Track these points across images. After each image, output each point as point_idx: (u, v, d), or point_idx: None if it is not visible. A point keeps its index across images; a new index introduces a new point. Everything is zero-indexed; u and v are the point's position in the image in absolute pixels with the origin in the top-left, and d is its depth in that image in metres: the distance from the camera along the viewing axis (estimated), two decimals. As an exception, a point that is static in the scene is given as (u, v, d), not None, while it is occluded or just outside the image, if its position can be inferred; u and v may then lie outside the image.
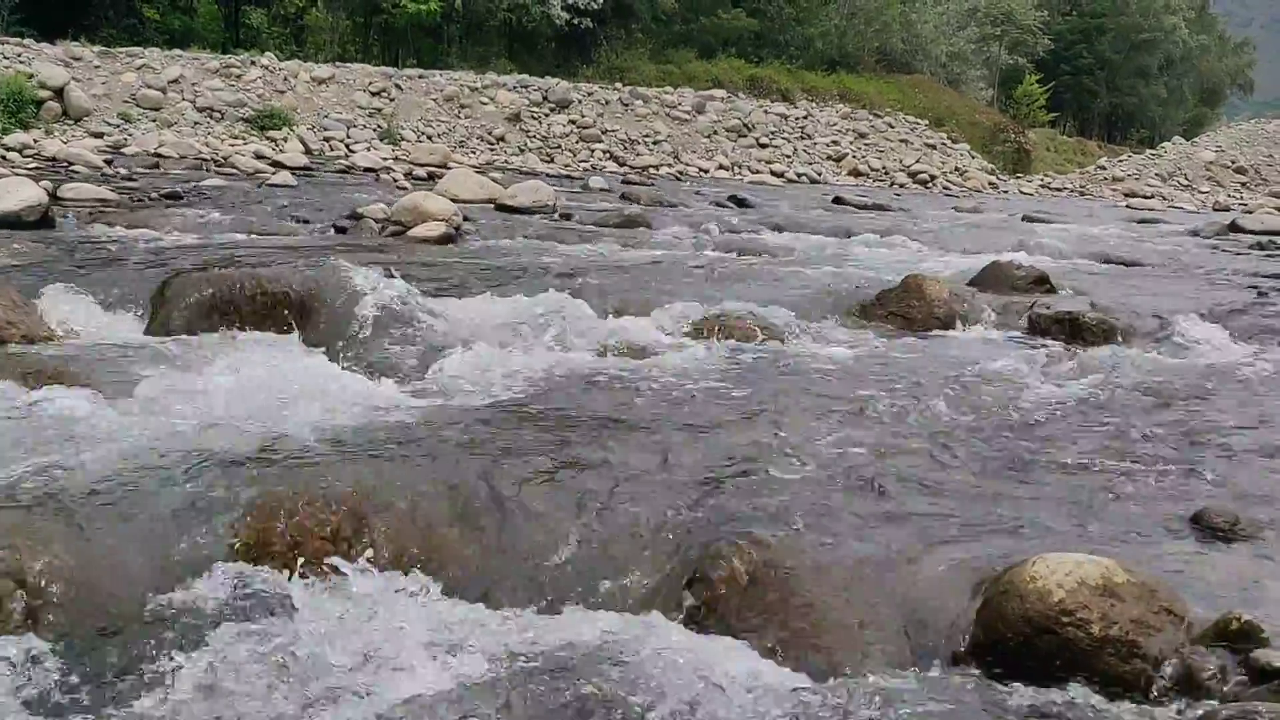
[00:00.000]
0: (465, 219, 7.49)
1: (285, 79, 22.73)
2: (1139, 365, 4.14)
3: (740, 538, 2.22)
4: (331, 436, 2.74)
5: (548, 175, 17.24)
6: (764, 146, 28.21)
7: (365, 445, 2.65)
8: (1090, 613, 1.81)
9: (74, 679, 1.76)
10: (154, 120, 19.51)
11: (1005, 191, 28.47)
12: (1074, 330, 4.75)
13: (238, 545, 2.13)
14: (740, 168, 26.28)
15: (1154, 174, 32.96)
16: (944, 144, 32.04)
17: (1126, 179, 32.46)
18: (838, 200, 15.72)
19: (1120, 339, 4.67)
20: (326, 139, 20.88)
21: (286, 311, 4.21)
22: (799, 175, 26.28)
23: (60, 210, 7.00)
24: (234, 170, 13.96)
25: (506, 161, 22.02)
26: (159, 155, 15.55)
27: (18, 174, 8.79)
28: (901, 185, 27.31)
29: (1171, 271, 7.93)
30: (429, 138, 22.89)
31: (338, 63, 25.40)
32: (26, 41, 20.47)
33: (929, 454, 2.90)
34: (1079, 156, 42.69)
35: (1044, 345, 4.60)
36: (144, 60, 21.23)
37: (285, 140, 19.72)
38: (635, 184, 16.44)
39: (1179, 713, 1.76)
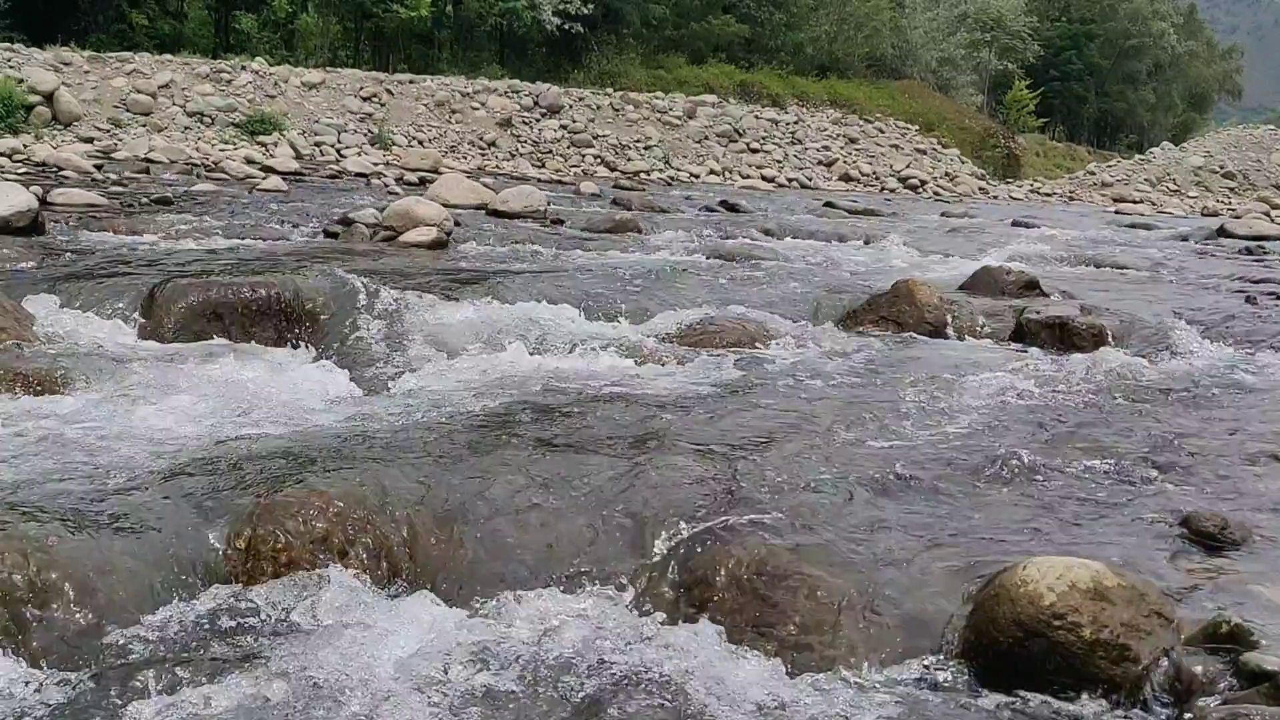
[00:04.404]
0: (456, 224, 7.49)
1: (276, 84, 22.71)
2: (1128, 370, 4.15)
3: (734, 541, 2.22)
4: (322, 442, 2.74)
5: (539, 180, 17.23)
6: (755, 152, 28.27)
7: (356, 451, 2.65)
8: (1081, 616, 1.82)
9: (59, 686, 1.75)
10: (144, 125, 19.47)
11: (995, 196, 28.55)
12: (1064, 335, 4.77)
13: (230, 551, 2.12)
14: (731, 173, 26.34)
15: (1143, 179, 33.10)
16: (934, 149, 32.15)
17: (1115, 184, 32.59)
18: (828, 205, 15.77)
19: (1110, 343, 4.68)
20: (317, 144, 20.87)
21: (276, 318, 4.20)
22: (790, 180, 26.35)
23: (50, 216, 6.98)
24: (224, 175, 13.93)
25: (498, 167, 22.04)
26: (149, 160, 15.50)
27: (7, 179, 8.78)
28: (892, 190, 27.40)
29: (1160, 276, 7.96)
30: (420, 143, 22.90)
31: (328, 68, 25.41)
32: (16, 46, 20.43)
33: (918, 458, 2.91)
34: (1068, 162, 42.86)
35: (1034, 350, 4.62)
36: (134, 65, 21.21)
37: (276, 145, 19.70)
38: (626, 189, 16.45)
39: (1169, 716, 1.77)
